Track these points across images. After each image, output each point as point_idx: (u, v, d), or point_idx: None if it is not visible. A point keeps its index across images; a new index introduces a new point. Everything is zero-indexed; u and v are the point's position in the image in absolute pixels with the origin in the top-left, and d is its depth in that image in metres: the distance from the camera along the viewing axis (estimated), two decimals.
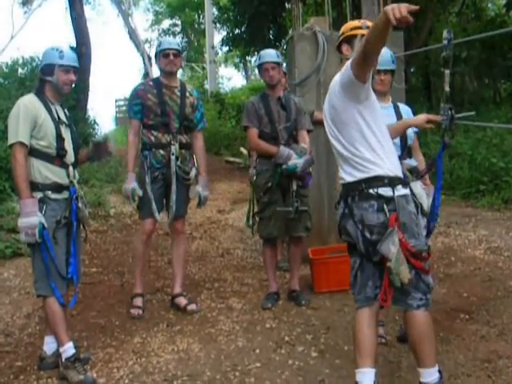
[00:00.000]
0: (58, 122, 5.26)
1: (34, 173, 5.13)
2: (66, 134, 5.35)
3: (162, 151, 6.63)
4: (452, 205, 11.14)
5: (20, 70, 17.91)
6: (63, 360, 5.20)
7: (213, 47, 33.18)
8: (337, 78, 4.33)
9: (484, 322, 5.94)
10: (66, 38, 71.42)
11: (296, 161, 6.56)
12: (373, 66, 4.06)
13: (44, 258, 5.06)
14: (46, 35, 73.35)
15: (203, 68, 41.77)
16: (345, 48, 4.54)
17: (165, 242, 9.90)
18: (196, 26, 46.10)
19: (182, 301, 6.78)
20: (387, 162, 4.24)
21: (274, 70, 6.81)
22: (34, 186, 5.13)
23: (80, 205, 5.38)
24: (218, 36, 35.76)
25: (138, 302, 6.76)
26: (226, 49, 25.98)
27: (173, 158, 6.59)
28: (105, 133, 5.71)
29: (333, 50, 8.08)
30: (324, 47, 8.25)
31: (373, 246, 4.18)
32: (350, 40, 4.51)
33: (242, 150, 19.26)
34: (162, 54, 6.70)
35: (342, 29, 4.63)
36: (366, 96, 4.20)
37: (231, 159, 20.40)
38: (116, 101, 36.18)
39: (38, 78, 5.47)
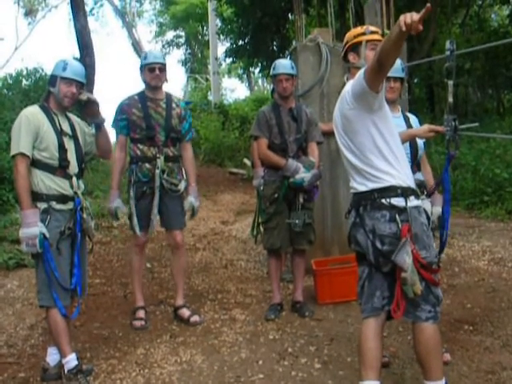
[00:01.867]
0: (60, 133, 5.26)
1: (38, 183, 5.15)
2: (69, 145, 5.34)
3: (147, 165, 6.60)
4: (456, 216, 11.12)
5: (24, 82, 17.94)
6: (66, 372, 5.21)
7: (216, 58, 33.23)
8: (348, 87, 4.32)
9: (488, 333, 5.93)
10: (70, 50, 71.74)
11: (304, 175, 6.58)
12: (386, 75, 4.06)
13: (46, 268, 5.07)
14: (49, 46, 73.64)
15: (207, 79, 41.81)
16: (351, 56, 4.53)
17: (168, 253, 9.88)
18: (200, 37, 46.17)
19: (185, 312, 6.77)
20: (401, 172, 4.23)
21: (287, 82, 6.81)
22: (39, 197, 5.15)
23: (85, 216, 5.37)
24: (221, 47, 35.97)
25: (141, 313, 6.75)
26: (229, 60, 26.00)
27: (157, 171, 6.55)
28: (89, 95, 5.60)
29: (336, 61, 8.15)
30: (327, 58, 8.26)
31: (383, 256, 4.17)
32: (355, 48, 4.51)
33: (246, 161, 19.27)
34: (148, 68, 6.66)
35: (346, 37, 4.62)
36: (380, 105, 4.19)
37: (235, 170, 20.40)
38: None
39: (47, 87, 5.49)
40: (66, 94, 5.29)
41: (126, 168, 6.87)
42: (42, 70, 18.25)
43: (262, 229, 7.13)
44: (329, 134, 7.67)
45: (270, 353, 5.78)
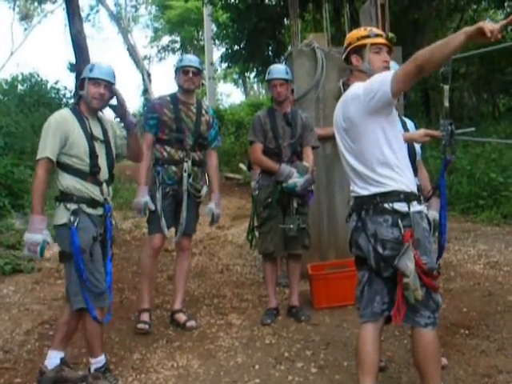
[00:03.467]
0: (91, 138, 5.20)
1: (68, 186, 5.11)
2: (100, 150, 5.28)
3: (174, 167, 6.61)
4: (451, 220, 11.10)
5: (19, 87, 17.99)
6: (93, 370, 5.22)
7: (212, 64, 33.18)
8: (357, 89, 4.24)
9: (484, 336, 5.94)
10: (66, 55, 71.76)
11: (296, 179, 6.58)
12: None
13: (79, 272, 5.01)
14: (45, 52, 73.62)
15: (202, 84, 41.82)
16: (355, 59, 4.44)
17: (164, 259, 9.89)
18: (195, 42, 46.13)
19: (182, 317, 6.76)
20: (404, 177, 4.21)
21: (282, 87, 6.83)
22: (68, 197, 5.10)
23: (114, 222, 5.37)
24: (217, 52, 35.82)
25: (145, 316, 6.68)
26: (225, 65, 25.94)
27: (185, 175, 6.56)
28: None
29: (331, 65, 8.16)
30: (323, 63, 8.28)
31: (384, 261, 4.16)
32: (358, 50, 4.42)
33: (242, 166, 19.26)
34: (182, 70, 6.71)
35: (349, 39, 4.54)
36: (391, 111, 4.19)
37: (230, 175, 20.38)
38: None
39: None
40: (94, 95, 5.23)
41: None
42: (38, 75, 18.32)
43: (257, 233, 7.15)
44: (325, 139, 7.69)
45: (266, 357, 5.78)
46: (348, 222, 4.52)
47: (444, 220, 4.72)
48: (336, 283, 7.04)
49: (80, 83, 5.37)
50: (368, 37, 4.42)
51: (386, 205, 4.14)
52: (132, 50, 44.42)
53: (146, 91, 41.28)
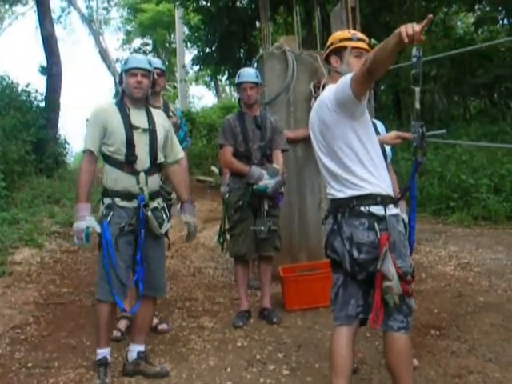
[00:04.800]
0: (130, 127, 5.25)
1: (106, 179, 5.25)
2: (140, 139, 5.30)
3: None
4: (422, 221, 11.16)
5: None
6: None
7: (183, 66, 33.21)
8: (328, 93, 4.24)
9: (454, 337, 5.97)
10: (37, 58, 71.32)
11: (267, 181, 6.59)
12: (373, 84, 4.05)
13: (105, 264, 5.11)
14: (16, 54, 73.13)
15: (174, 87, 41.68)
16: (334, 60, 4.43)
17: None
18: (167, 45, 46.03)
19: (154, 320, 6.72)
20: (380, 180, 4.19)
21: (252, 90, 6.84)
22: (105, 192, 5.27)
23: (149, 214, 5.28)
24: (188, 55, 35.88)
25: (122, 324, 6.65)
26: (196, 68, 25.97)
27: None
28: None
29: (302, 68, 8.17)
30: (293, 66, 8.27)
31: (359, 264, 4.14)
32: (338, 51, 4.41)
33: (213, 168, 19.25)
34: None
35: (331, 39, 4.53)
36: (361, 113, 4.15)
37: (202, 178, 20.38)
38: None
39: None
40: (133, 85, 5.31)
41: None
42: (8, 77, 18.13)
43: (228, 236, 7.15)
44: (295, 142, 7.70)
45: (238, 360, 5.77)
46: (324, 225, 4.51)
47: (413, 222, 4.73)
48: (307, 285, 7.05)
49: (119, 79, 5.52)
50: (350, 39, 4.41)
51: (362, 208, 4.12)
52: (103, 53, 44.24)
53: (117, 93, 41.09)
